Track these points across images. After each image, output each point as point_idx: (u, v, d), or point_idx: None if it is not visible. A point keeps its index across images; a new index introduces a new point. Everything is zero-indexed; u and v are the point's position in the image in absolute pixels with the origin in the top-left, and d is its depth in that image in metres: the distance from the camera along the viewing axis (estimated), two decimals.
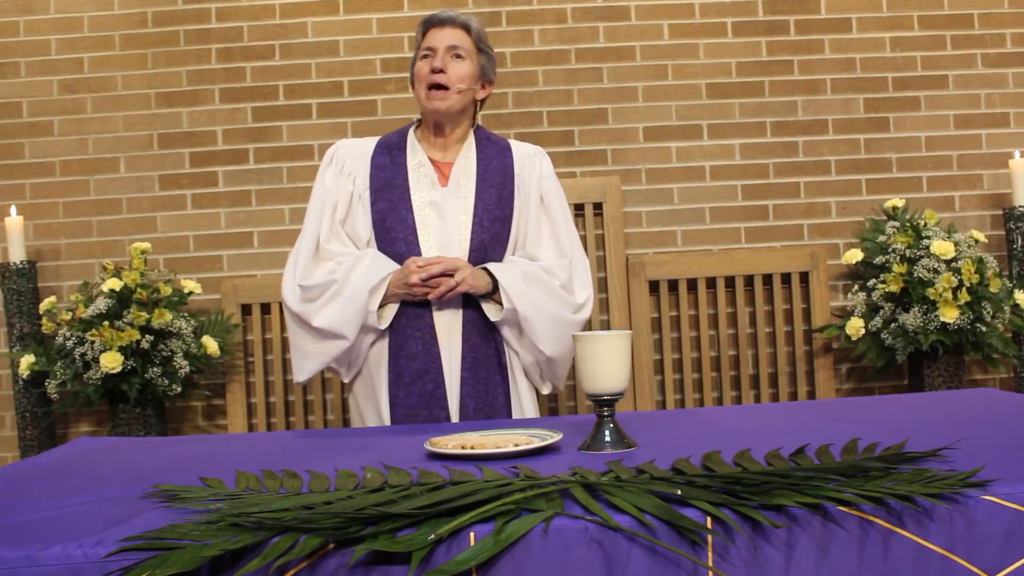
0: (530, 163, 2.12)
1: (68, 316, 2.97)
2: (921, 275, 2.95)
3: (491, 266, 2.00)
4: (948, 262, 2.98)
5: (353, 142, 2.14)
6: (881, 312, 3.04)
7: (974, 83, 3.36)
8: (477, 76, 2.06)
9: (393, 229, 2.00)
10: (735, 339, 3.27)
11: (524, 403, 2.09)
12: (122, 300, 2.95)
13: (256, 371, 3.22)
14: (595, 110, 3.33)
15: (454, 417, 1.98)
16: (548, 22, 3.32)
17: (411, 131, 2.11)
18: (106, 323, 2.88)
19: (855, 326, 3.06)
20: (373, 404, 2.03)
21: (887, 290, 3.00)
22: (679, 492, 1.04)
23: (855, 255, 3.15)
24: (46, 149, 3.29)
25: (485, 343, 2.01)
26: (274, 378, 3.24)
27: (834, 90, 3.35)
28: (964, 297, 2.90)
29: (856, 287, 3.13)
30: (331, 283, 1.95)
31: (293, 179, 3.30)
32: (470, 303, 2.00)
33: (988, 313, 2.94)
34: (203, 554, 0.95)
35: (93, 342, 2.86)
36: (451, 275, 1.93)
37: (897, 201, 3.20)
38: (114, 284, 2.93)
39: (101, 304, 2.90)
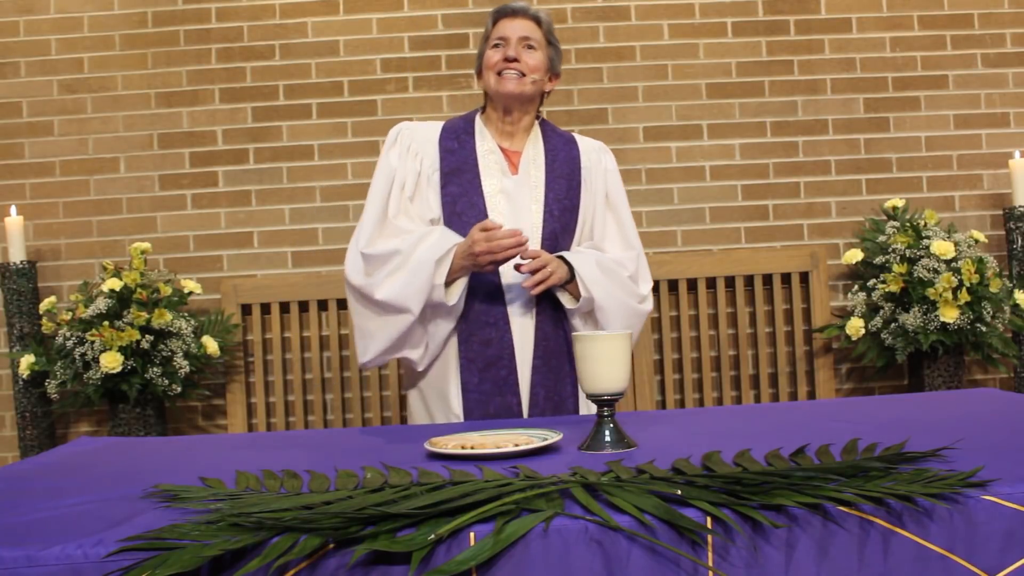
0: (596, 157, 2.15)
1: (68, 316, 2.97)
2: (921, 275, 2.95)
3: (567, 255, 2.00)
4: (948, 262, 2.98)
5: (416, 124, 2.12)
6: (881, 312, 3.03)
7: (974, 83, 3.36)
8: (547, 68, 2.08)
9: (464, 214, 1.99)
10: (735, 339, 3.27)
11: None
12: (122, 300, 2.95)
13: (256, 371, 3.22)
14: (595, 110, 3.33)
15: (524, 404, 1.98)
16: None
17: (477, 117, 2.11)
18: (106, 323, 2.88)
19: (855, 326, 3.06)
20: (441, 391, 2.01)
21: (887, 290, 3.00)
22: (679, 492, 1.04)
23: (855, 255, 3.15)
24: (46, 149, 3.29)
25: (556, 332, 2.02)
26: (274, 378, 3.24)
27: (834, 90, 3.35)
28: (964, 297, 2.90)
29: (856, 287, 3.13)
30: (395, 253, 1.91)
31: (293, 179, 3.30)
32: (542, 293, 1.99)
33: (988, 313, 2.94)
34: (203, 554, 0.95)
35: (93, 342, 2.86)
36: (538, 269, 1.91)
37: (897, 201, 3.20)
38: (114, 284, 2.93)
39: (101, 304, 2.90)
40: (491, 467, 1.23)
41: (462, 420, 1.97)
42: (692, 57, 3.34)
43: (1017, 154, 3.22)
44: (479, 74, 2.09)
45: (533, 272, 1.91)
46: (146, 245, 3.08)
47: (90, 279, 3.14)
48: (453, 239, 1.94)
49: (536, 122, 2.13)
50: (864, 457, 1.19)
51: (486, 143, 2.06)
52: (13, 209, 3.18)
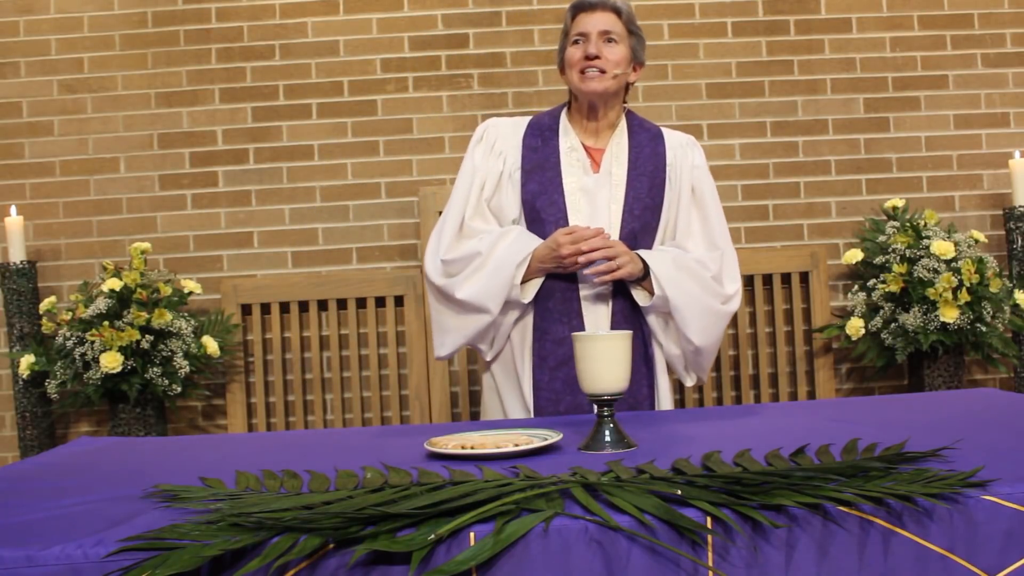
0: (682, 152, 2.10)
1: (68, 316, 2.97)
2: (921, 275, 2.95)
3: (643, 253, 1.99)
4: (948, 262, 2.98)
5: (503, 121, 2.12)
6: (881, 312, 3.03)
7: (974, 83, 3.36)
8: (630, 59, 2.06)
9: (544, 211, 1.99)
10: (735, 339, 3.27)
11: (664, 397, 2.08)
12: (122, 300, 2.95)
13: (256, 371, 3.22)
14: None
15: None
16: (548, 22, 3.32)
17: (563, 114, 2.10)
18: (106, 323, 2.88)
19: (855, 326, 3.06)
20: (515, 387, 2.02)
21: (887, 290, 3.00)
22: (679, 492, 1.04)
23: (855, 255, 3.15)
24: (46, 149, 3.29)
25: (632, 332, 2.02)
26: (274, 378, 3.24)
27: (834, 90, 3.35)
28: (964, 297, 2.89)
29: (856, 287, 3.13)
30: (475, 255, 1.94)
31: (293, 179, 3.30)
32: (620, 291, 1.99)
33: (988, 313, 2.94)
34: (203, 554, 0.95)
35: (93, 342, 2.86)
36: (611, 258, 1.91)
37: (897, 201, 3.20)
38: (114, 284, 2.93)
39: (101, 304, 2.90)
40: (491, 467, 1.23)
41: (533, 417, 1.98)
42: (692, 57, 3.34)
43: (1017, 154, 3.22)
44: (561, 70, 2.08)
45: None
46: (146, 245, 3.08)
47: (90, 279, 3.14)
48: (532, 240, 1.96)
49: (622, 115, 2.11)
50: (864, 457, 1.19)
51: (569, 140, 2.05)
52: (13, 209, 3.18)
